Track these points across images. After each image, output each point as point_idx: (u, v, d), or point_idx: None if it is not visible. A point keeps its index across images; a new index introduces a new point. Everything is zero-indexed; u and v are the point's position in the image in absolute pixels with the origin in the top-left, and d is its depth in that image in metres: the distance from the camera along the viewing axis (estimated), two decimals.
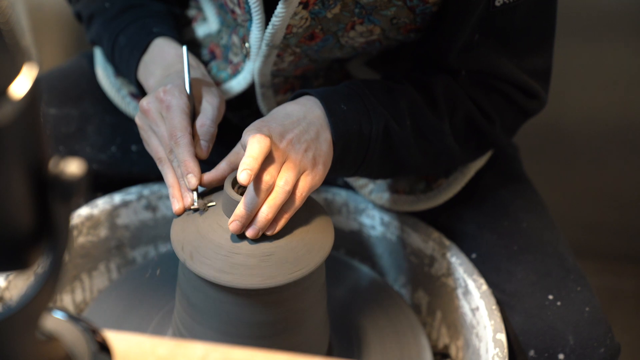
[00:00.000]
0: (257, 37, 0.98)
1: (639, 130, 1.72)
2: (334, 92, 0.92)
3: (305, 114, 0.88)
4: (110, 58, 1.10)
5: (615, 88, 1.67)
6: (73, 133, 1.17)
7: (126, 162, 1.18)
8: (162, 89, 0.91)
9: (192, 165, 0.86)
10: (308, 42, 0.98)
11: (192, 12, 1.19)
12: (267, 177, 0.81)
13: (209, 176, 0.87)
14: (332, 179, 1.20)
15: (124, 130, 1.19)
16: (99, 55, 1.23)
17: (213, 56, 1.14)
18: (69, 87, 1.21)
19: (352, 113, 0.90)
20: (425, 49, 1.01)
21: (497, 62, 0.99)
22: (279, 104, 1.08)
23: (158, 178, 1.15)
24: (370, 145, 0.92)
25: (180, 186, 0.88)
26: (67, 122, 1.17)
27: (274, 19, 0.93)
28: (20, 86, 0.43)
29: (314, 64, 1.06)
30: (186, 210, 0.87)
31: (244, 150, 0.82)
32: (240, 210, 0.81)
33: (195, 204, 0.86)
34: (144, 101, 0.92)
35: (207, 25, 1.16)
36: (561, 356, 0.97)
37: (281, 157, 0.83)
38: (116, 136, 1.19)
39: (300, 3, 0.90)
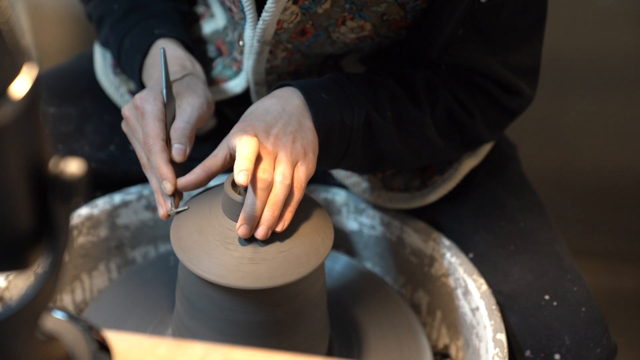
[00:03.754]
0: (249, 35, 0.99)
1: (639, 130, 1.72)
2: (314, 83, 0.92)
3: (283, 106, 0.88)
4: (118, 61, 1.10)
5: (616, 88, 1.67)
6: (72, 132, 1.17)
7: (125, 161, 1.18)
8: (139, 96, 0.92)
9: (165, 172, 0.87)
10: (299, 37, 0.98)
11: (200, 9, 1.19)
12: (265, 175, 0.81)
13: (184, 181, 0.87)
14: (331, 178, 1.20)
15: None
16: (98, 53, 1.23)
17: (220, 53, 1.14)
18: (68, 86, 1.21)
19: (333, 102, 0.90)
20: (409, 42, 1.01)
21: (480, 58, 0.99)
22: None
23: None
24: (352, 134, 0.92)
25: (161, 192, 0.88)
26: (66, 121, 1.17)
27: (264, 14, 0.93)
28: (20, 86, 0.43)
29: (307, 60, 1.06)
30: (170, 214, 0.88)
31: (233, 153, 0.82)
32: (244, 213, 0.81)
33: (173, 209, 0.87)
34: (125, 108, 0.93)
35: (214, 22, 1.16)
36: (557, 356, 0.97)
37: (272, 153, 0.83)
38: (115, 135, 1.19)
39: None
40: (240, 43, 1.02)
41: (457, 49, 0.97)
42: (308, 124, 0.88)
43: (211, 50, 1.15)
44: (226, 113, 1.18)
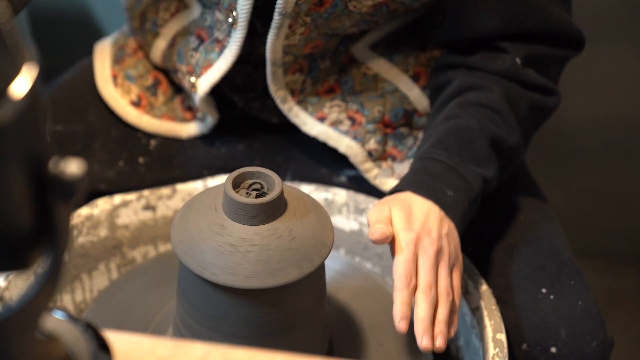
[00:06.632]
0: (244, 2, 1.00)
1: None
2: (433, 180, 0.95)
3: (429, 210, 0.92)
4: None
5: (617, 88, 1.67)
6: (79, 151, 1.16)
7: (134, 177, 1.18)
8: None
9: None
10: (318, 8, 0.99)
11: (171, 8, 1.19)
12: (431, 291, 0.87)
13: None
14: (331, 178, 1.20)
15: (130, 142, 1.19)
16: (97, 63, 1.23)
17: (201, 41, 1.14)
18: (73, 100, 1.20)
19: (458, 194, 0.95)
20: (453, 30, 1.03)
21: (544, 9, 1.02)
22: (287, 84, 1.10)
23: None
24: (477, 201, 0.98)
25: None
26: (73, 139, 1.16)
27: None
28: (20, 86, 0.43)
29: (323, 39, 1.07)
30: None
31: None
32: (422, 326, 0.86)
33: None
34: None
35: (189, 13, 1.17)
36: (553, 349, 0.97)
37: (432, 258, 0.89)
38: (123, 150, 1.18)
39: None
40: (234, 13, 1.03)
41: (518, 8, 1.00)
42: (449, 223, 0.93)
43: (192, 41, 1.15)
44: (232, 99, 1.18)
